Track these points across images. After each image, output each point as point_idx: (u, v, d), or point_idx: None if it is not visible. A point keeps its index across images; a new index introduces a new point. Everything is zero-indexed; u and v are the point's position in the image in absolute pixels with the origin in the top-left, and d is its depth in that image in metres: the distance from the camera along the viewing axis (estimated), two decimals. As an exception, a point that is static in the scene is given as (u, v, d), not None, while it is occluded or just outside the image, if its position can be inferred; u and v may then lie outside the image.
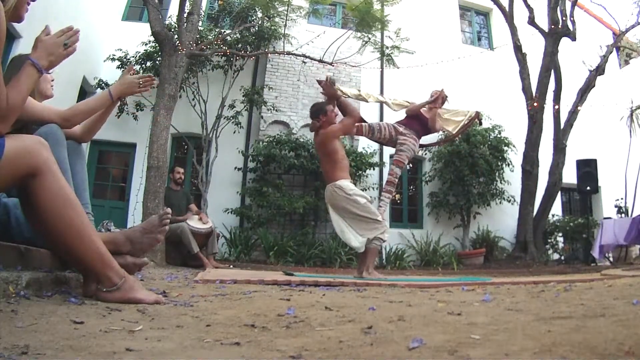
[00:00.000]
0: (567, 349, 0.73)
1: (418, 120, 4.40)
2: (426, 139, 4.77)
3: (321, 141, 3.88)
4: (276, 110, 8.32)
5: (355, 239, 3.73)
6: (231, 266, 5.97)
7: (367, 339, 0.92)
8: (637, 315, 1.06)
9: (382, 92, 8.55)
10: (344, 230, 3.78)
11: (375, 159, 8.26)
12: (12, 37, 5.12)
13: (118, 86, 2.06)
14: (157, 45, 6.79)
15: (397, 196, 9.10)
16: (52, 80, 2.30)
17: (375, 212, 3.84)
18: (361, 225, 3.77)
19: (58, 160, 1.48)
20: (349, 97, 4.40)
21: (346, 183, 3.81)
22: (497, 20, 10.23)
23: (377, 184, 8.30)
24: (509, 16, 8.69)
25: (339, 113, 4.11)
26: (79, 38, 1.61)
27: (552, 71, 8.41)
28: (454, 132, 4.93)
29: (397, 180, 4.31)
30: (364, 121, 4.47)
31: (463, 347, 0.80)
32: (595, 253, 7.07)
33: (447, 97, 4.59)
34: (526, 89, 8.37)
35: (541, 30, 8.55)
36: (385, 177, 8.36)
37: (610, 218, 8.04)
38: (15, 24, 4.41)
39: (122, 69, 7.65)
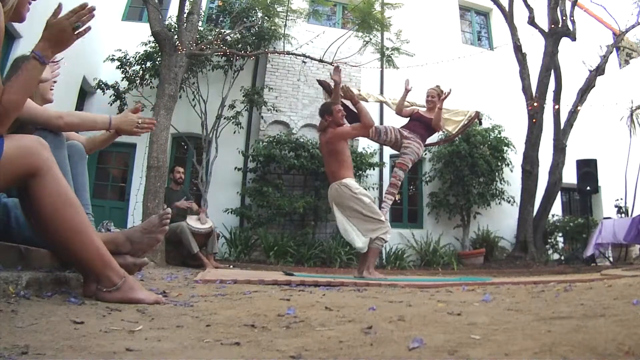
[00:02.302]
0: (567, 349, 0.73)
1: (422, 124, 4.41)
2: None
3: (328, 140, 3.89)
4: (276, 111, 8.31)
5: (359, 239, 3.74)
6: (231, 266, 5.98)
7: (367, 339, 0.92)
8: (637, 315, 1.06)
9: (382, 92, 8.54)
10: (347, 230, 3.79)
11: (376, 159, 8.27)
12: (12, 37, 5.11)
13: (119, 118, 2.12)
14: (157, 45, 6.78)
15: (398, 196, 9.09)
16: (55, 83, 2.28)
17: (379, 212, 3.85)
18: (365, 225, 3.77)
19: (58, 161, 1.47)
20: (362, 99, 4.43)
21: (352, 182, 3.84)
22: (497, 20, 10.23)
23: (377, 184, 8.31)
24: (509, 16, 8.69)
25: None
26: (83, 33, 1.51)
27: (552, 71, 8.40)
28: (453, 132, 4.94)
29: (400, 182, 4.32)
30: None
31: (463, 347, 0.80)
32: (589, 250, 6.97)
33: (444, 92, 4.56)
34: (526, 89, 8.37)
35: (541, 30, 8.54)
36: (386, 177, 8.48)
37: (610, 218, 8.03)
38: (15, 24, 4.42)
39: (121, 69, 7.64)
